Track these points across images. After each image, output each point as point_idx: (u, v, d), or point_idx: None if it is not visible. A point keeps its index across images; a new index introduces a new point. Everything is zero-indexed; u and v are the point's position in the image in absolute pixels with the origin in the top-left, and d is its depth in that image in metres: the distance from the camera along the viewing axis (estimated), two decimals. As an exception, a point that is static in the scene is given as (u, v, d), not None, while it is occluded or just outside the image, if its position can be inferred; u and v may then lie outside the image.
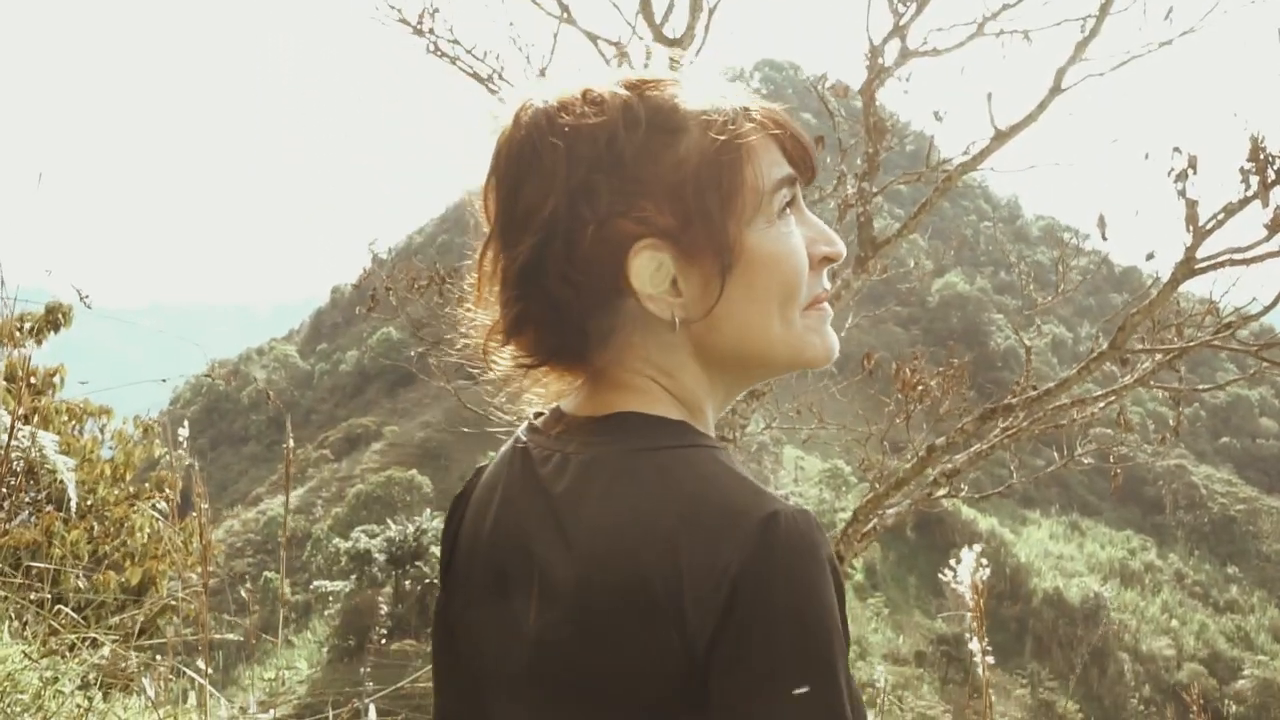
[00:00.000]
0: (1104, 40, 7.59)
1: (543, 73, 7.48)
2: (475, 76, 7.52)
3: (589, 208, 1.45)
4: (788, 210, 1.53)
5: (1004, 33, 7.53)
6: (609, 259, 1.46)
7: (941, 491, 7.48)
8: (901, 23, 7.49)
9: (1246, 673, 76.70)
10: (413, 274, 8.11)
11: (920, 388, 7.50)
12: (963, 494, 8.04)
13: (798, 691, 1.34)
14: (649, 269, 1.46)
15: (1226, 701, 72.29)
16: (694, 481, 1.43)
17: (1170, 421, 8.01)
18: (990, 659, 4.29)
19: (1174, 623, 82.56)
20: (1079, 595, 79.28)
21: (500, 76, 7.49)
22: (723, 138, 1.48)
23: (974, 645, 4.24)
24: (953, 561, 4.32)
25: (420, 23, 7.40)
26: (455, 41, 7.45)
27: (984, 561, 4.08)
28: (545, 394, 1.64)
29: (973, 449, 7.18)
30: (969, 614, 4.18)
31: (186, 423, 6.07)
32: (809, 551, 1.39)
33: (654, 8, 7.41)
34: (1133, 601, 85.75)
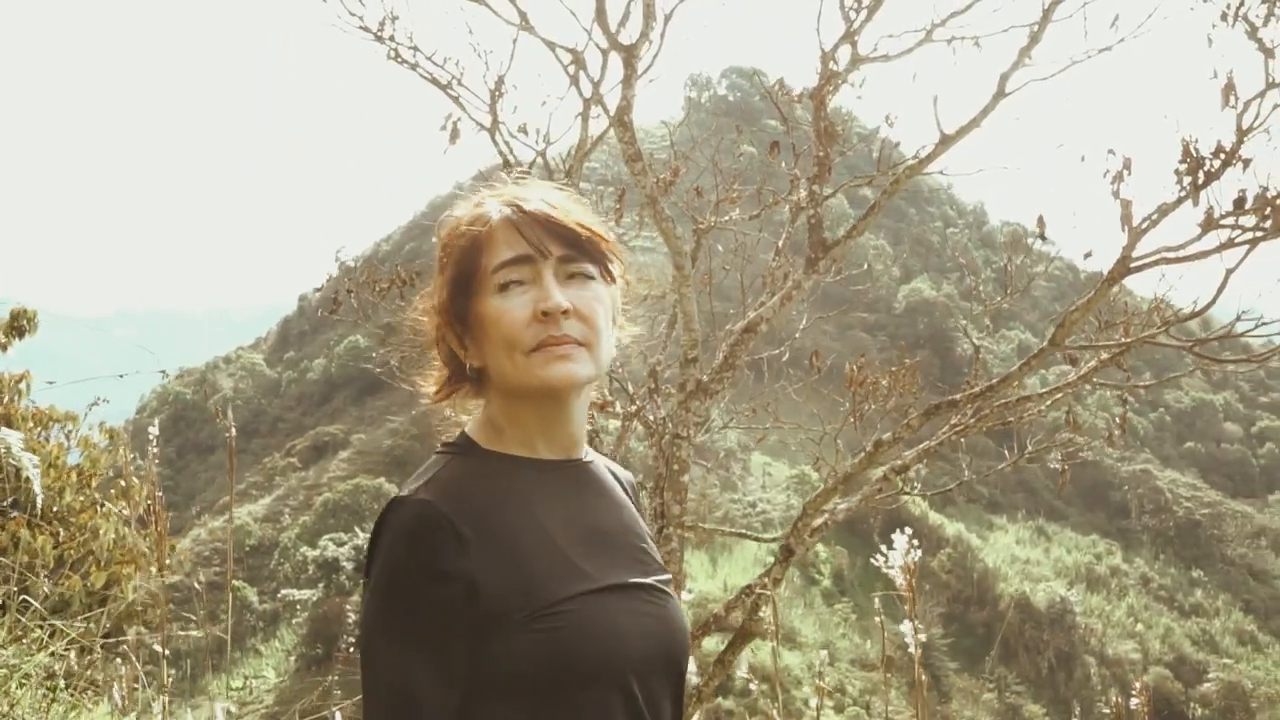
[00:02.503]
0: (1048, 46, 7.77)
1: (501, 80, 7.62)
2: (435, 82, 7.64)
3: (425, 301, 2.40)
4: (510, 286, 2.19)
5: (954, 39, 7.69)
6: (439, 327, 2.32)
7: (892, 489, 7.64)
8: (853, 29, 7.64)
9: (1212, 676, 77.12)
10: (375, 277, 8.22)
11: (869, 383, 7.67)
12: (915, 492, 8.19)
13: (367, 639, 2.05)
14: (450, 338, 2.29)
15: (1192, 705, 72.72)
16: (417, 473, 2.24)
17: (1118, 419, 8.17)
18: (923, 637, 4.45)
19: (1140, 626, 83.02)
20: (1045, 600, 79.59)
21: (460, 82, 7.63)
22: (446, 240, 2.31)
23: (905, 626, 4.39)
24: (883, 546, 4.48)
25: (380, 30, 7.52)
26: (415, 48, 7.57)
27: (915, 543, 4.25)
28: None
29: (921, 445, 7.35)
30: (903, 594, 4.34)
31: (157, 421, 6.18)
32: (398, 530, 2.08)
33: (609, 15, 7.55)
34: (1099, 606, 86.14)
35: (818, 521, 7.21)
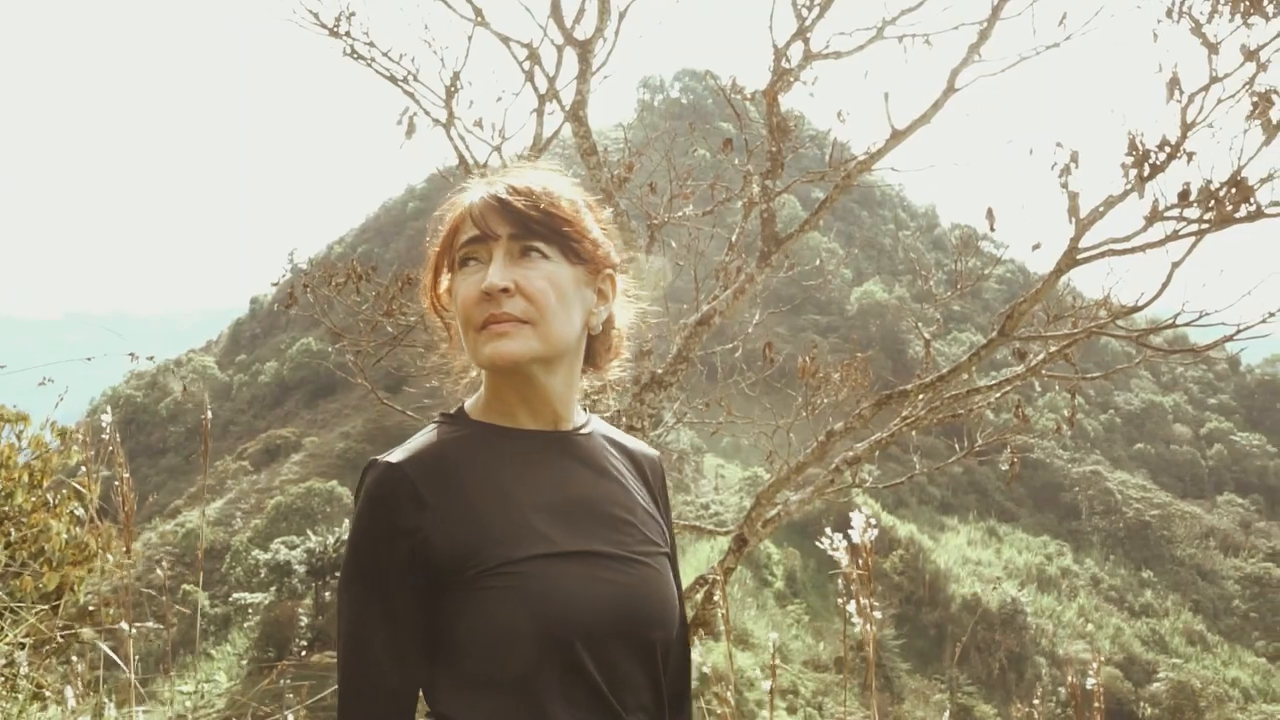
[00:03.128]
0: (998, 43, 7.87)
1: (457, 75, 7.67)
2: (391, 78, 7.68)
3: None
4: (469, 262, 2.31)
5: (905, 36, 7.76)
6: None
7: (844, 481, 7.71)
8: (805, 26, 7.71)
9: (1161, 675, 77.63)
10: (331, 272, 8.25)
11: (821, 375, 7.75)
12: (867, 484, 8.26)
13: (337, 592, 2.23)
14: (440, 318, 2.50)
15: (1142, 704, 73.18)
16: None
17: (1067, 413, 8.26)
18: (876, 618, 4.50)
19: (1090, 627, 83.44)
20: (997, 601, 79.89)
21: (415, 78, 7.67)
22: (442, 225, 2.41)
23: (852, 607, 4.44)
24: (828, 530, 4.53)
25: (337, 26, 7.55)
26: (371, 44, 7.60)
27: (873, 521, 4.30)
28: None
29: (873, 437, 7.42)
30: (855, 575, 4.39)
31: (111, 412, 6.17)
32: (366, 490, 2.23)
33: (564, 11, 7.60)
34: (1049, 606, 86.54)
35: (771, 513, 7.27)
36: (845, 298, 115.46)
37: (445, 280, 2.43)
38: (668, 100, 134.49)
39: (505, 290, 2.25)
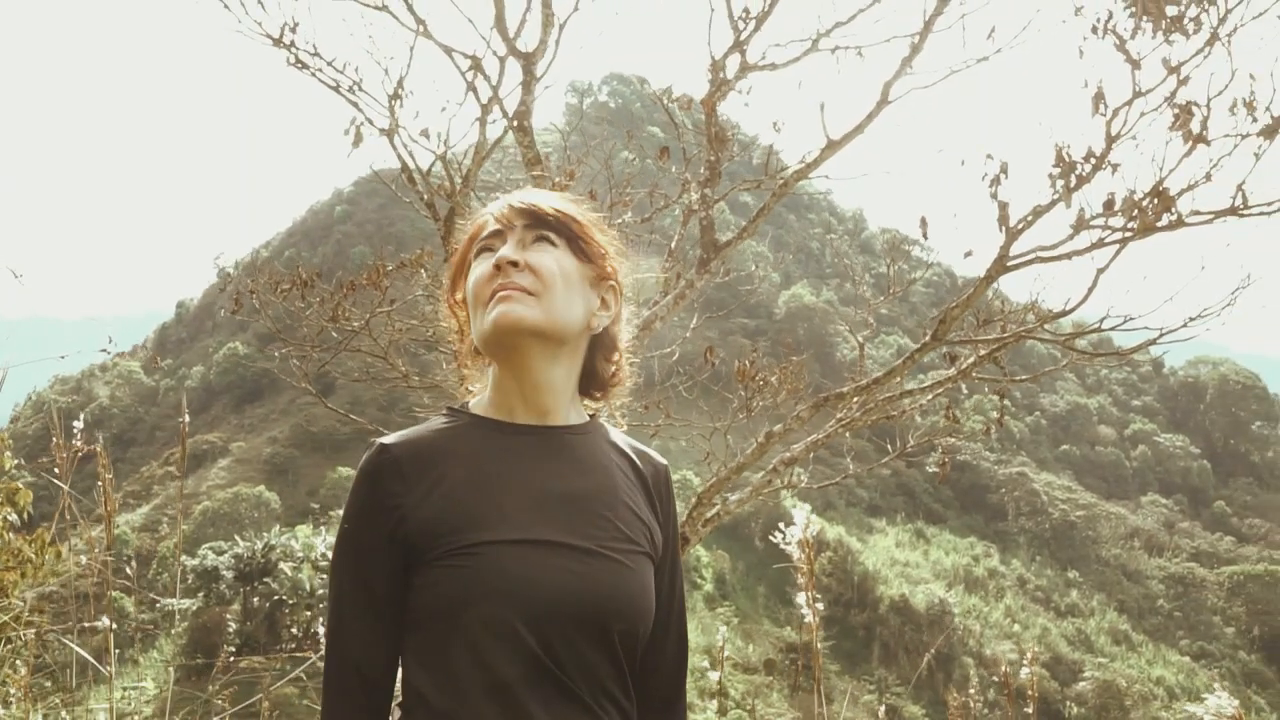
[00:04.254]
0: (929, 56, 8.06)
1: (400, 83, 7.77)
2: (335, 87, 7.77)
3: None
4: (484, 253, 2.58)
5: (838, 49, 7.94)
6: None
7: (781, 482, 7.87)
8: (741, 38, 7.87)
9: (1087, 675, 78.28)
10: (276, 278, 8.34)
11: (758, 378, 7.93)
12: (802, 484, 8.44)
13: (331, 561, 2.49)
14: (458, 324, 2.73)
15: (1068, 703, 73.78)
16: None
17: (995, 414, 8.47)
18: (821, 606, 4.68)
19: (1016, 627, 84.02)
20: (924, 602, 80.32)
21: (360, 88, 7.76)
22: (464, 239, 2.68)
23: (802, 598, 4.62)
24: (782, 525, 4.72)
25: (281, 36, 7.63)
26: (315, 54, 7.69)
27: (813, 518, 4.49)
28: None
29: (809, 438, 7.59)
30: (800, 568, 4.57)
31: (83, 414, 6.25)
32: (359, 468, 2.42)
33: (508, 22, 7.72)
34: (977, 607, 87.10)
35: (711, 512, 7.42)
36: (774, 301, 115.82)
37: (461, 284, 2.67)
38: (596, 104, 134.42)
39: (514, 264, 2.50)
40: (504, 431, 2.52)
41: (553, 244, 2.57)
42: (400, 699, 2.41)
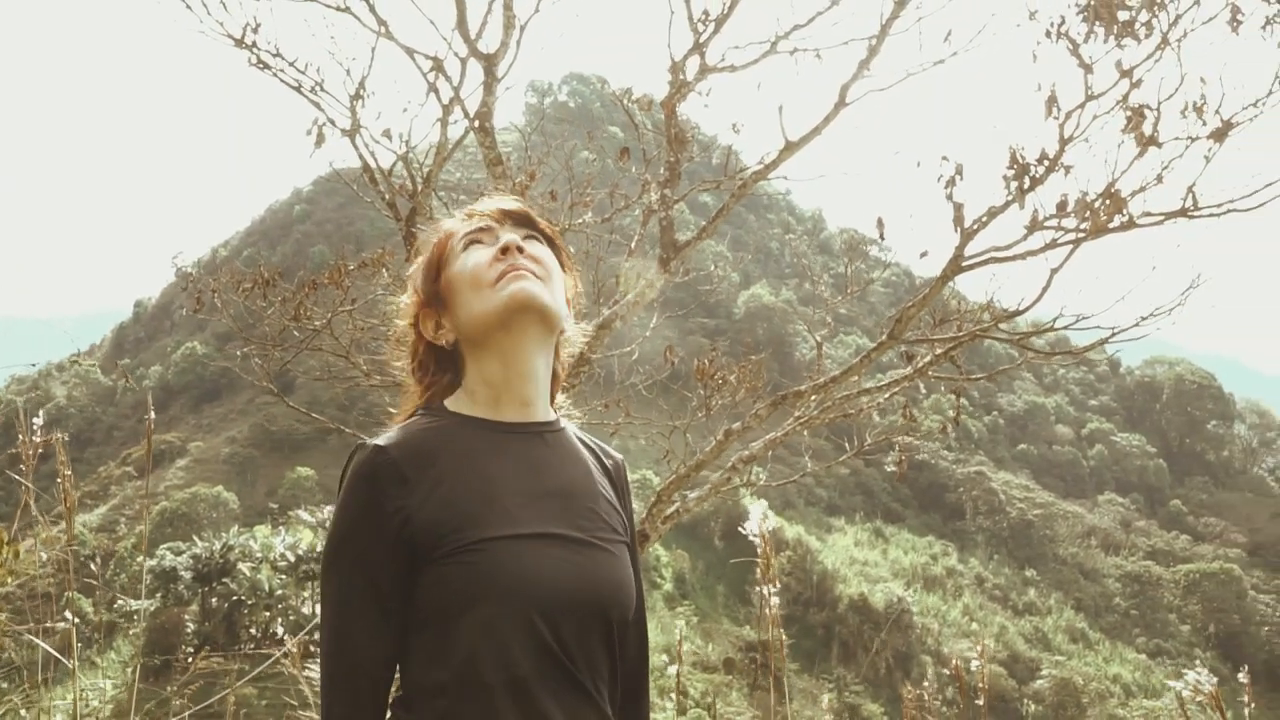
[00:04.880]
0: (886, 59, 8.14)
1: (362, 84, 7.81)
2: (297, 88, 7.78)
3: (408, 327, 2.77)
4: (471, 246, 2.68)
5: (797, 51, 8.00)
6: (417, 334, 2.74)
7: (740, 479, 7.94)
8: (701, 40, 7.92)
9: (1044, 673, 78.62)
10: (237, 276, 8.36)
11: (718, 376, 8.00)
12: (761, 483, 8.51)
13: (321, 569, 2.46)
14: (428, 326, 2.71)
15: (1025, 701, 74.06)
16: None
17: (952, 411, 8.55)
18: (779, 608, 4.76)
19: (974, 625, 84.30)
20: (883, 601, 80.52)
21: (322, 88, 7.79)
22: (430, 243, 2.76)
23: (764, 589, 4.71)
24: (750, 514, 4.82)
25: (243, 36, 7.64)
26: (278, 55, 7.71)
27: (768, 514, 4.57)
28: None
29: (768, 436, 7.66)
30: (759, 559, 4.65)
31: (41, 413, 6.26)
32: (352, 470, 2.45)
33: (469, 23, 7.76)
34: (935, 606, 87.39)
35: (670, 509, 7.48)
36: (733, 301, 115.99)
37: (436, 280, 2.73)
38: (557, 104, 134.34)
39: (520, 249, 2.64)
40: (493, 429, 2.59)
41: (539, 242, 2.72)
42: (399, 696, 2.45)
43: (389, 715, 2.44)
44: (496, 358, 2.61)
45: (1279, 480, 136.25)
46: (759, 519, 4.59)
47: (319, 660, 2.42)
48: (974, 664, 6.42)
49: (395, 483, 2.41)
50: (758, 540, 4.71)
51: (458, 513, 2.42)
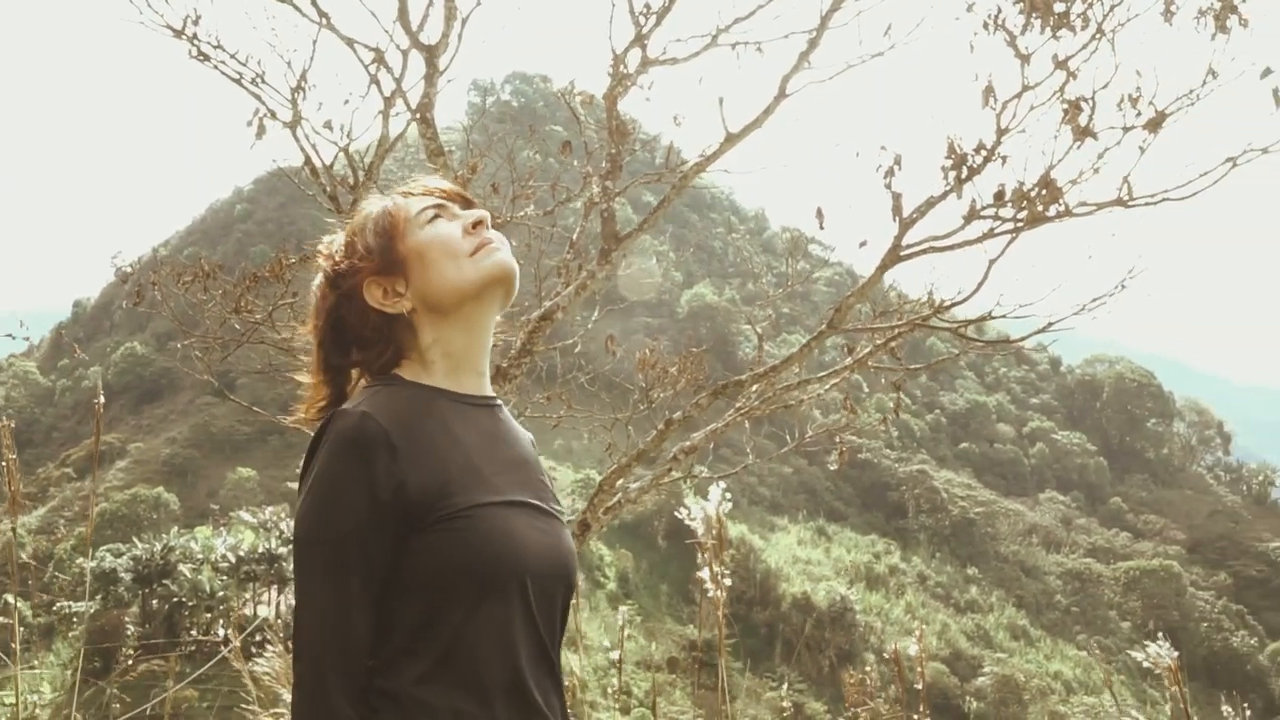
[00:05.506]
0: (827, 52, 8.19)
1: (304, 76, 7.78)
2: (237, 80, 7.75)
3: (331, 305, 2.69)
4: (437, 219, 2.68)
5: (738, 44, 8.03)
6: (358, 304, 2.66)
7: (681, 471, 7.97)
8: (643, 33, 7.94)
9: (986, 670, 79.08)
10: (179, 269, 8.32)
11: (659, 367, 8.03)
12: (701, 475, 8.54)
13: (306, 539, 2.40)
14: (376, 294, 2.65)
15: (968, 698, 74.52)
16: (349, 400, 2.61)
17: (892, 404, 8.61)
18: (728, 581, 4.79)
19: (917, 624, 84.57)
20: (826, 599, 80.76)
21: (263, 80, 7.76)
22: (374, 216, 2.71)
23: (704, 574, 4.74)
24: (692, 505, 4.84)
25: (183, 28, 7.60)
26: (218, 46, 7.67)
27: (728, 496, 4.60)
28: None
29: (709, 427, 7.69)
30: (710, 543, 4.68)
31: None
32: (338, 437, 2.39)
33: (411, 15, 7.75)
34: (878, 604, 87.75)
35: (611, 500, 7.50)
36: (676, 300, 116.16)
37: (391, 250, 2.69)
38: (499, 103, 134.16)
39: (486, 223, 2.70)
40: (452, 399, 2.61)
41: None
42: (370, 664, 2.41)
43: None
44: (462, 328, 2.65)
45: (1217, 478, 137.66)
46: (716, 501, 4.61)
47: (300, 641, 2.33)
48: (913, 649, 6.48)
49: (385, 450, 2.39)
50: (699, 524, 4.73)
51: (446, 479, 2.43)
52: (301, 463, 2.50)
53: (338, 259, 2.72)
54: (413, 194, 2.76)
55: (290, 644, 2.42)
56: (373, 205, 2.77)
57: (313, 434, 2.52)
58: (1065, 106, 6.63)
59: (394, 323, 2.65)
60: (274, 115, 7.76)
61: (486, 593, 2.39)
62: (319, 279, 2.75)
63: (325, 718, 2.28)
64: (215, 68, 7.70)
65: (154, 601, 60.07)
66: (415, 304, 2.64)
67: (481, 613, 2.39)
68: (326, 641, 2.32)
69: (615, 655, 7.67)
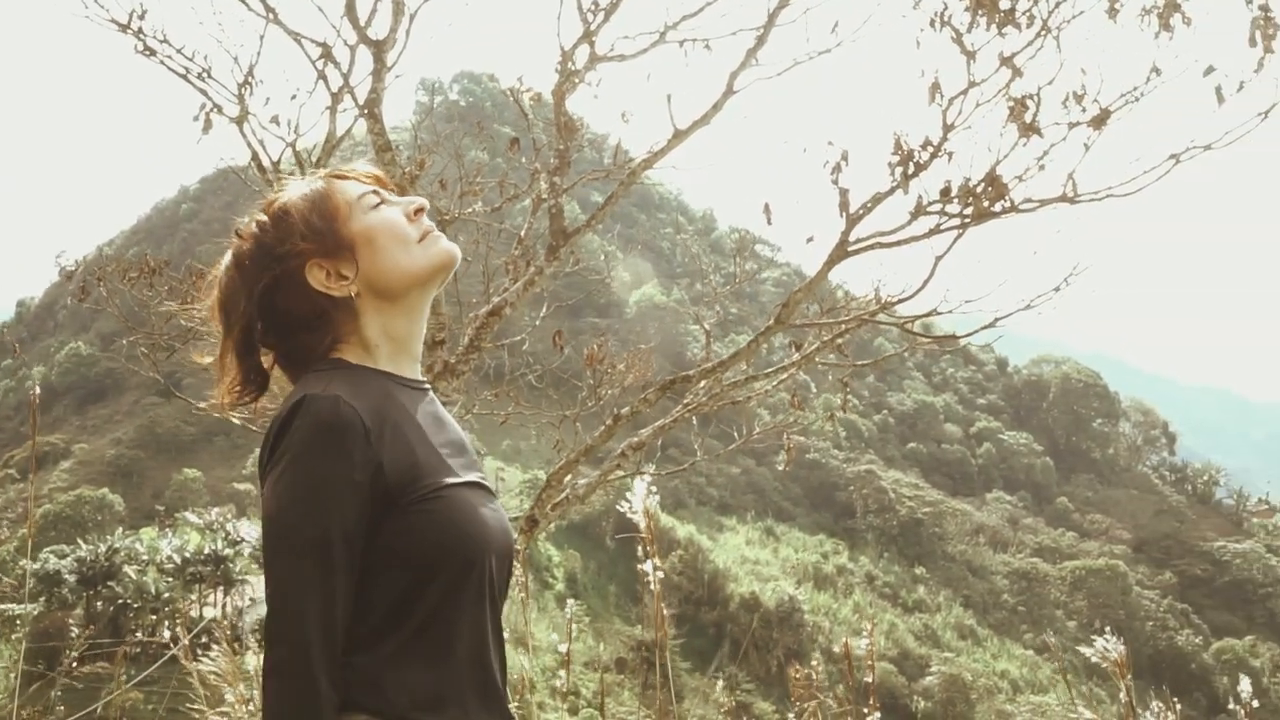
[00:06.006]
0: (775, 49, 8.21)
1: (251, 70, 7.75)
2: (184, 75, 7.70)
3: (264, 283, 2.62)
4: (380, 205, 2.68)
5: (686, 41, 8.06)
6: (298, 287, 2.61)
7: (629, 467, 7.97)
8: (591, 30, 7.95)
9: (934, 669, 79.46)
10: (124, 265, 8.28)
11: (606, 363, 8.04)
12: (651, 471, 8.55)
13: (283, 523, 2.36)
14: (319, 276, 2.61)
15: (915, 698, 74.83)
16: (301, 384, 2.52)
17: (839, 401, 8.65)
18: (661, 574, 4.81)
19: (865, 623, 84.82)
20: (774, 599, 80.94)
21: (209, 75, 7.72)
22: (311, 197, 2.67)
23: (647, 566, 4.77)
24: (628, 495, 4.87)
25: (130, 22, 7.55)
26: (164, 40, 7.62)
27: (654, 490, 4.63)
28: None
29: (657, 423, 7.70)
30: (644, 536, 4.69)
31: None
32: (315, 422, 2.37)
33: (358, 10, 7.73)
34: (826, 604, 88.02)
35: (560, 496, 7.50)
36: (624, 300, 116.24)
37: (334, 233, 2.67)
38: (447, 102, 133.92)
39: (425, 210, 2.75)
40: (399, 382, 2.64)
41: None
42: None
43: None
44: (405, 313, 2.68)
45: (1163, 477, 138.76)
46: (642, 495, 4.65)
47: (281, 625, 2.31)
48: (863, 643, 6.51)
49: (361, 433, 2.40)
50: (641, 518, 4.76)
51: (415, 461, 2.47)
52: (264, 448, 2.48)
53: (270, 239, 2.65)
54: (346, 177, 2.75)
55: (263, 631, 2.35)
56: (304, 186, 2.73)
57: (269, 421, 2.51)
58: (1011, 105, 6.67)
59: (335, 306, 2.63)
60: (220, 110, 7.72)
61: (462, 571, 2.45)
62: (235, 258, 2.69)
63: (311, 699, 2.27)
64: (161, 63, 7.66)
65: (99, 603, 59.77)
66: (360, 288, 2.63)
67: (457, 591, 2.44)
68: (311, 624, 2.30)
69: (564, 648, 7.66)
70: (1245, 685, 8.68)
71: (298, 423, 2.38)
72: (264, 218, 2.69)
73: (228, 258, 2.70)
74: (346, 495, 2.36)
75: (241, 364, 2.70)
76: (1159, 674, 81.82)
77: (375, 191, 2.71)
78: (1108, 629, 7.31)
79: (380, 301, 2.65)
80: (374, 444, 2.40)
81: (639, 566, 4.83)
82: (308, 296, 2.62)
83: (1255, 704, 8.52)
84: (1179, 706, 7.50)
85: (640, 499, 4.64)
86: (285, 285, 2.63)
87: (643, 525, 4.74)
